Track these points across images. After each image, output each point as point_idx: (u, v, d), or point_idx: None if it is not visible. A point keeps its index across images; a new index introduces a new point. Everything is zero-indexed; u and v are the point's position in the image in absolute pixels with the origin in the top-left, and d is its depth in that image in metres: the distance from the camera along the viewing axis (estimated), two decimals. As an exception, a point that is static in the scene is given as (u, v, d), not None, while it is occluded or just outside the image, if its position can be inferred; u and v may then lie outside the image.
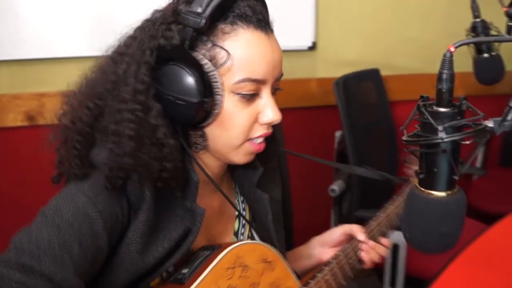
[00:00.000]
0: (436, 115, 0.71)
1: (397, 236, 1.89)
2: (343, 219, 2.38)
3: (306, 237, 1.41)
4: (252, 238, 1.24)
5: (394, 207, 1.44)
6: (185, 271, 1.04)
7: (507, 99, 0.75)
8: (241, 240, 1.21)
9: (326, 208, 2.51)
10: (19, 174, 2.20)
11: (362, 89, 2.58)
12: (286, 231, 1.31)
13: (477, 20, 1.56)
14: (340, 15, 2.61)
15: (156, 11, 1.03)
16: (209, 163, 1.10)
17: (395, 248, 1.92)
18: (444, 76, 0.71)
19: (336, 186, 2.24)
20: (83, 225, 0.91)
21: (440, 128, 0.69)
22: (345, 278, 1.24)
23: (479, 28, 1.55)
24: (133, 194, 0.98)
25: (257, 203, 1.21)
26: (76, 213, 0.92)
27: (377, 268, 2.07)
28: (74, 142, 0.99)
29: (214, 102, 0.99)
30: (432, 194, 0.73)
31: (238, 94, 1.00)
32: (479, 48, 1.52)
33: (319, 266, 1.27)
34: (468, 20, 1.60)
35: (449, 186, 0.73)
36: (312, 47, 2.57)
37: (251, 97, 1.02)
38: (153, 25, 0.99)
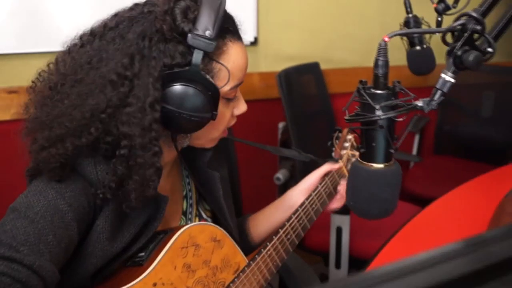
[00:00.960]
0: (374, 96, 0.80)
1: (340, 220, 2.00)
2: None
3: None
4: (199, 216, 1.31)
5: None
6: (142, 254, 1.09)
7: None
8: (189, 219, 1.28)
9: (271, 196, 2.55)
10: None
11: (303, 82, 2.64)
12: (237, 207, 1.40)
13: (410, 15, 1.66)
14: (281, 11, 2.65)
15: (122, 14, 1.06)
16: (170, 149, 1.14)
17: (338, 231, 2.01)
18: (380, 62, 0.80)
19: (280, 175, 2.30)
20: (55, 217, 0.95)
21: (377, 107, 0.79)
22: (286, 252, 1.31)
23: (411, 22, 1.64)
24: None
25: (208, 181, 1.28)
26: (47, 206, 0.96)
27: (322, 252, 2.17)
28: (61, 157, 0.98)
29: None
30: (372, 166, 0.82)
31: (226, 98, 1.10)
32: (412, 42, 1.61)
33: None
34: (402, 16, 1.69)
35: (386, 159, 0.82)
36: (254, 42, 2.59)
37: (233, 97, 1.13)
38: (150, 42, 1.00)
